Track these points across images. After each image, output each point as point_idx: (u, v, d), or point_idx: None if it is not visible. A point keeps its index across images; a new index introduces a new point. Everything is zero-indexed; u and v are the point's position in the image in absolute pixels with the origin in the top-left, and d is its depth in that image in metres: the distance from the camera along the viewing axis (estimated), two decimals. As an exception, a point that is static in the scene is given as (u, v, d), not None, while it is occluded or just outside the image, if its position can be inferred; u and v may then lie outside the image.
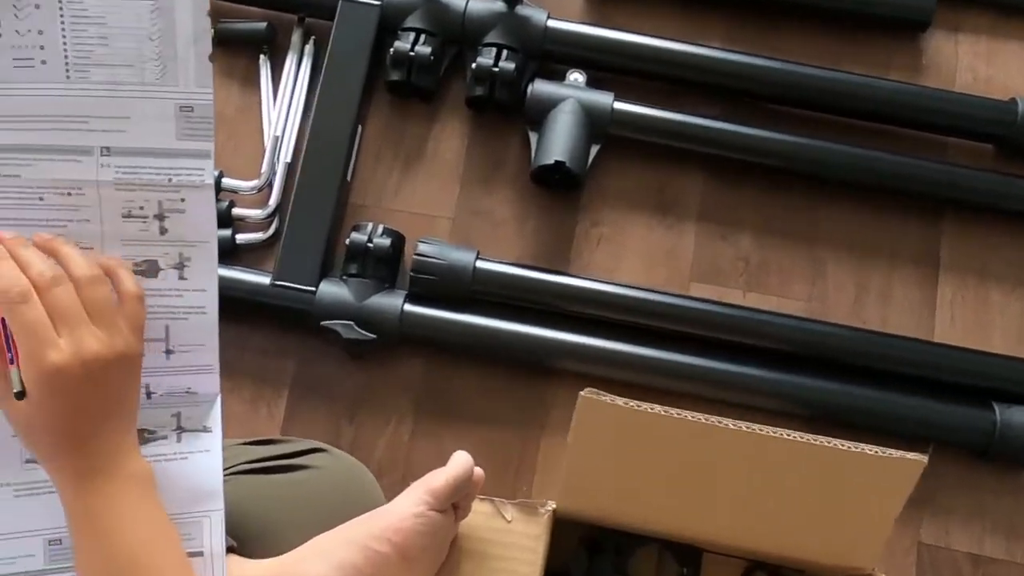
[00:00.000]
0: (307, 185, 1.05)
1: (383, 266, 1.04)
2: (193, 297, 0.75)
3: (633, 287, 1.07)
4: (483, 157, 1.13)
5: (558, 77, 1.11)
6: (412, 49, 1.07)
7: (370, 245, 1.03)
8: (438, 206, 1.11)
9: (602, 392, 0.77)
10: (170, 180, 0.72)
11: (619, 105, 1.08)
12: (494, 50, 1.08)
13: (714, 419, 0.77)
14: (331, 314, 1.02)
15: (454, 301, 1.04)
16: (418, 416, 1.05)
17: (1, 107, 0.70)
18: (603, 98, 1.08)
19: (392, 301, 1.03)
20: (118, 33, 0.70)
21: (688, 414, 0.77)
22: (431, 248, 1.04)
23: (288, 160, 1.10)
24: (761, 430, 0.75)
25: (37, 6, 0.68)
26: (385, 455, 1.03)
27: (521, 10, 1.09)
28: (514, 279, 1.05)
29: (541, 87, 1.08)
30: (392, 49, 1.08)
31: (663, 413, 0.76)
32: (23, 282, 0.63)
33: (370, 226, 1.05)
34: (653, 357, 1.04)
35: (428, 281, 1.03)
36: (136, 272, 0.73)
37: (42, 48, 0.69)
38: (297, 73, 1.13)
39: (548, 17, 1.10)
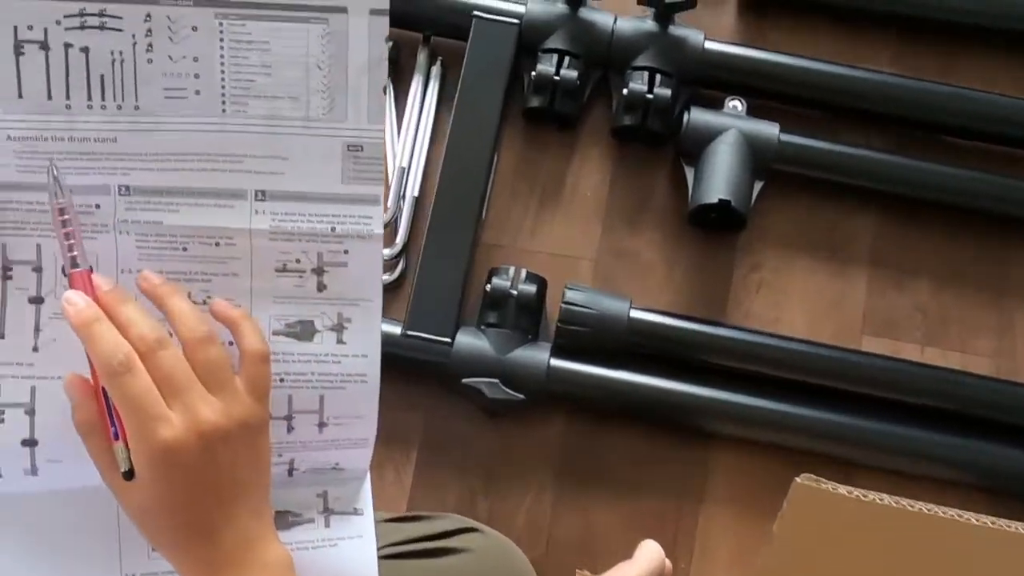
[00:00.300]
0: (441, 223, 0.96)
1: (526, 315, 0.95)
2: (352, 363, 0.66)
3: (797, 340, 0.98)
4: (628, 193, 1.04)
5: (713, 105, 1.01)
6: (557, 72, 0.98)
7: (513, 292, 0.94)
8: (579, 247, 1.03)
9: (821, 479, 0.67)
10: (333, 229, 0.63)
11: (786, 137, 0.98)
12: (646, 74, 0.99)
13: (953, 512, 0.67)
14: (470, 368, 0.93)
15: (605, 355, 0.95)
16: (560, 483, 0.96)
17: (145, 144, 0.61)
18: (768, 129, 0.99)
19: (537, 355, 0.94)
20: (283, 61, 0.61)
21: (923, 506, 0.67)
22: (580, 296, 0.94)
23: (416, 194, 1.01)
24: (1018, 528, 0.65)
25: (195, 28, 0.59)
26: (526, 528, 0.94)
27: (675, 31, 1.01)
28: (671, 331, 0.96)
29: (699, 116, 0.99)
30: (534, 72, 0.99)
31: (894, 505, 0.66)
32: (124, 348, 0.55)
33: (512, 270, 0.95)
34: (820, 420, 0.96)
35: (577, 332, 0.94)
36: (288, 334, 0.63)
37: (197, 77, 0.60)
38: (424, 97, 1.04)
39: (705, 39, 1.00)
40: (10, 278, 0.63)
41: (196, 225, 0.63)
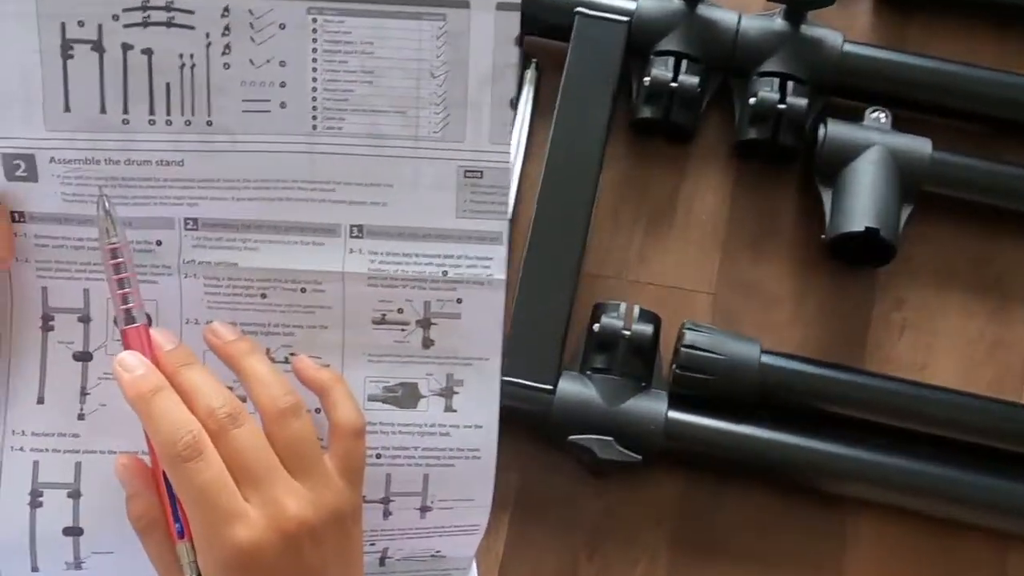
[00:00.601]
0: (540, 252, 0.84)
1: (639, 359, 0.83)
2: (464, 436, 0.55)
3: (948, 390, 0.85)
4: (751, 216, 0.92)
5: (851, 117, 0.89)
6: (675, 78, 0.86)
7: (626, 333, 0.82)
8: (694, 278, 0.91)
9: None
10: (445, 273, 0.51)
11: (939, 154, 0.86)
12: (776, 81, 0.87)
13: None
14: (575, 421, 0.82)
15: (730, 406, 0.83)
16: (675, 551, 0.85)
17: (218, 168, 0.50)
18: (918, 145, 0.86)
19: (653, 406, 0.82)
20: (389, 67, 0.49)
21: None
22: (703, 337, 0.82)
23: (509, 216, 0.89)
24: None
25: (282, 26, 0.47)
26: (636, 602, 0.83)
27: (808, 31, 0.88)
28: (807, 379, 0.84)
29: (838, 130, 0.87)
30: (647, 78, 0.87)
31: None
32: (191, 427, 0.46)
33: (623, 307, 0.84)
34: (975, 485, 0.83)
35: (699, 380, 0.82)
36: (387, 400, 0.52)
37: (283, 86, 0.49)
38: (515, 106, 0.92)
39: (844, 41, 0.88)
40: (51, 329, 0.52)
41: (278, 267, 0.52)
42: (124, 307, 0.50)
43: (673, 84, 0.86)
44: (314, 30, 0.51)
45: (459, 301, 0.55)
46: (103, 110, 0.51)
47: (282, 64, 0.52)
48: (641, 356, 0.83)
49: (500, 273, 0.54)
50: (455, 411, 0.56)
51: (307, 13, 0.51)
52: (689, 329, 0.83)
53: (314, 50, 0.52)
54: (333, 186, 0.53)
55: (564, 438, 0.81)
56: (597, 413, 0.81)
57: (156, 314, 0.55)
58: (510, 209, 0.57)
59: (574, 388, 0.82)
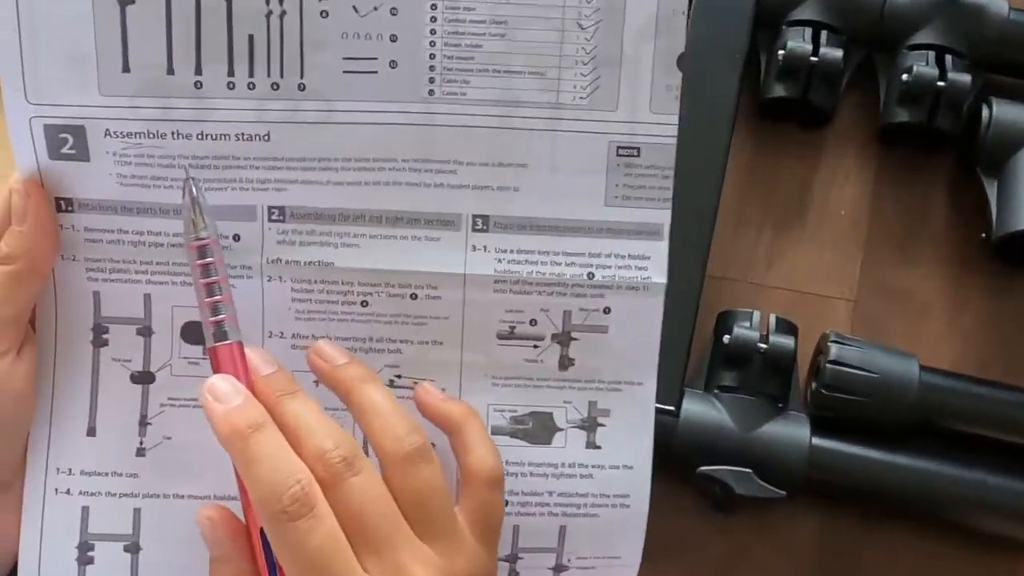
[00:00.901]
0: (660, 253, 0.73)
1: (775, 377, 0.72)
2: (609, 478, 0.44)
3: None
4: (898, 212, 0.80)
5: (1017, 97, 0.77)
6: (815, 51, 0.75)
7: (762, 346, 0.71)
8: (832, 282, 0.79)
9: None
10: (590, 276, 0.40)
11: (1122, 139, 0.74)
12: (931, 54, 0.75)
13: None
14: (703, 449, 0.70)
15: (883, 432, 0.72)
16: (817, 598, 0.73)
17: (312, 144, 0.40)
18: (1101, 129, 0.74)
19: (794, 431, 0.71)
20: (525, 16, 0.38)
21: None
22: (851, 352, 0.71)
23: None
24: None
25: None
26: (771, 657, 0.72)
27: (968, -1, 0.76)
28: (974, 401, 0.73)
29: (1006, 111, 0.75)
30: (781, 51, 0.76)
31: None
32: (300, 476, 0.36)
33: (756, 316, 0.72)
34: None
35: (847, 402, 0.70)
36: (515, 433, 0.42)
37: (394, 40, 0.38)
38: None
39: (1010, 9, 0.76)
40: (104, 344, 0.41)
41: (383, 268, 0.41)
42: (214, 319, 0.40)
43: (813, 58, 0.75)
44: None
45: (607, 311, 0.44)
46: (170, 70, 0.41)
47: (393, 12, 0.41)
48: (778, 373, 0.72)
49: (660, 276, 0.43)
50: (599, 448, 0.45)
51: (426, -51, 0.41)
52: (835, 342, 0.72)
53: (433, -1, 0.41)
54: (453, 167, 0.43)
55: (691, 469, 0.69)
56: (730, 440, 0.70)
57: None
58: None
59: (701, 410, 0.71)
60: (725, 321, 0.75)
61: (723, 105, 0.76)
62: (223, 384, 0.40)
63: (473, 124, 0.43)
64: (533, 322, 0.45)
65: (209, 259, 0.41)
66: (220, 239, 0.44)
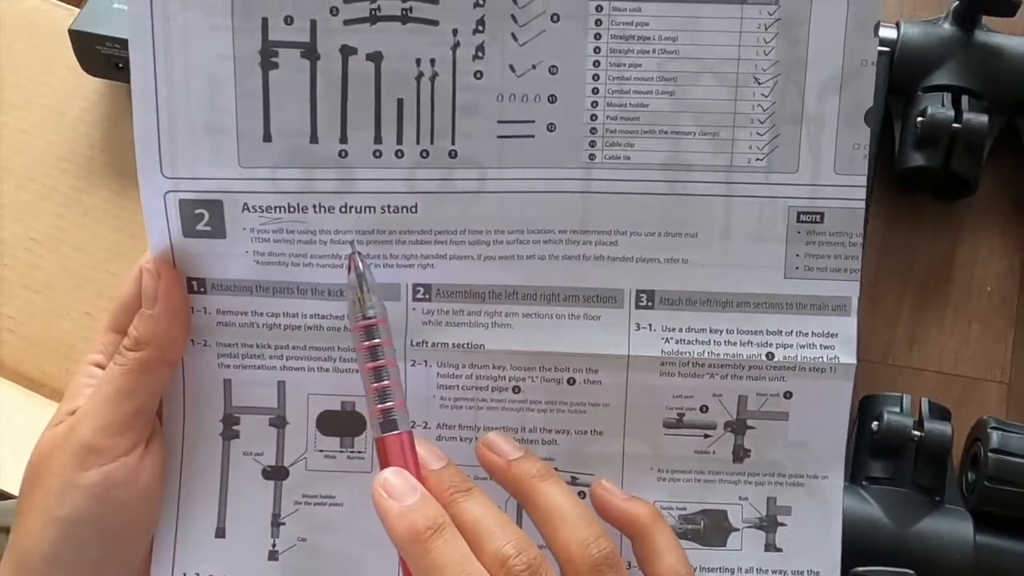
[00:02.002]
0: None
1: (930, 467, 0.66)
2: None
3: None
4: (1050, 287, 0.75)
5: None
6: (958, 118, 0.70)
7: (916, 434, 0.65)
8: (981, 363, 0.74)
9: None
10: (769, 356, 0.36)
11: None
12: (1081, 119, 0.71)
13: None
14: (857, 547, 0.64)
15: (1051, 527, 0.66)
16: None
17: (463, 216, 0.36)
18: None
19: (956, 528, 0.65)
20: (697, 70, 0.34)
21: None
22: (1016, 439, 0.65)
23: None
24: None
25: (555, 18, 0.33)
26: None
27: (1122, 56, 0.72)
28: None
29: None
30: (920, 118, 0.72)
31: None
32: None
33: (906, 400, 0.67)
34: None
35: (1014, 496, 0.65)
36: (685, 533, 0.38)
37: (552, 100, 0.34)
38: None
39: None
40: (235, 436, 0.38)
41: (538, 350, 0.37)
42: (382, 406, 0.36)
43: (956, 124, 0.71)
44: (598, 21, 0.38)
45: (788, 395, 0.40)
46: (314, 138, 0.38)
47: (552, 71, 0.38)
48: (933, 463, 0.67)
49: (848, 356, 0.39)
50: (779, 550, 0.40)
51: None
52: (995, 428, 0.66)
53: (596, 50, 0.38)
54: (615, 237, 0.39)
55: (846, 568, 0.64)
56: (886, 537, 0.65)
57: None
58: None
59: (851, 504, 0.66)
60: (871, 406, 0.69)
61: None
62: (397, 479, 0.36)
63: (637, 191, 0.39)
64: (704, 409, 0.40)
65: (376, 340, 0.37)
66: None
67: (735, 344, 0.40)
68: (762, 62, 0.38)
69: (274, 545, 0.41)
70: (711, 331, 0.40)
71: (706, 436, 0.41)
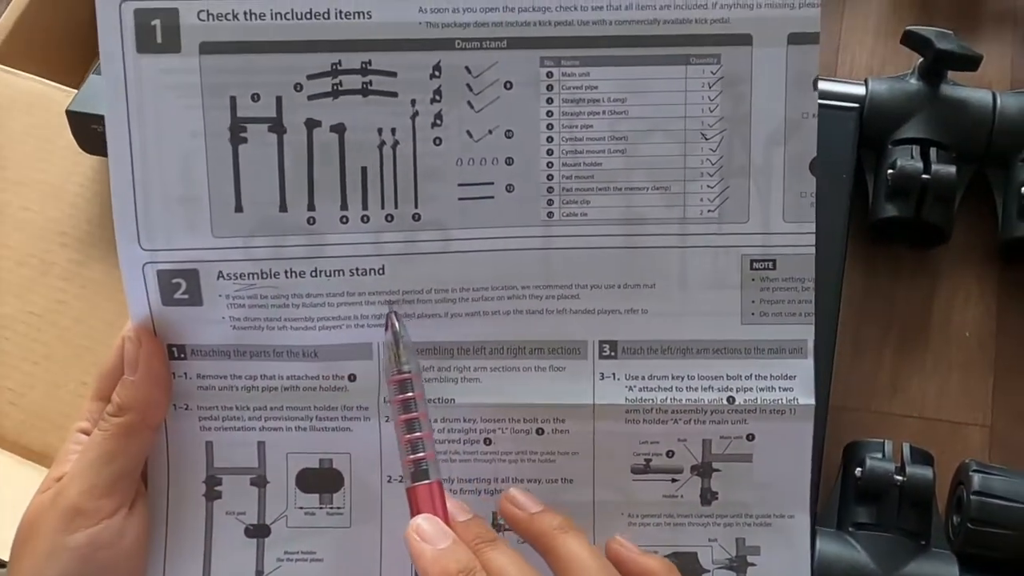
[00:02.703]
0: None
1: (915, 511, 0.66)
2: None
3: None
4: (1027, 332, 0.75)
5: None
6: (926, 169, 0.72)
7: (899, 479, 0.66)
8: (962, 408, 0.74)
9: None
10: (731, 401, 0.37)
11: None
12: (1048, 165, 0.72)
13: None
14: (842, 594, 0.65)
15: (1037, 567, 0.66)
16: None
17: (429, 275, 0.37)
18: None
19: (941, 571, 0.65)
20: (646, 129, 0.36)
21: None
22: (997, 482, 0.66)
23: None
24: None
25: (508, 85, 0.35)
26: None
27: (1083, 106, 0.73)
28: None
29: None
30: (891, 171, 0.73)
31: None
32: None
33: (888, 446, 0.68)
34: None
35: (997, 537, 0.65)
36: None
37: (510, 164, 0.36)
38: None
39: None
40: (218, 496, 0.39)
41: (506, 403, 0.38)
42: (414, 457, 0.37)
43: (925, 176, 0.72)
44: (549, 87, 0.39)
45: (751, 438, 0.40)
46: (283, 207, 0.40)
47: (508, 135, 0.39)
48: (917, 507, 0.67)
49: (807, 397, 0.40)
50: (751, 593, 0.41)
51: (540, 65, 0.39)
52: (976, 471, 0.67)
53: (549, 113, 0.39)
54: (576, 291, 0.40)
55: (835, 614, 0.64)
56: (871, 581, 0.65)
57: (349, 471, 0.42)
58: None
59: (838, 550, 0.66)
60: (854, 453, 0.70)
61: (835, 227, 0.73)
62: (429, 525, 0.37)
63: (596, 246, 0.40)
64: (670, 454, 0.41)
65: (410, 394, 0.38)
66: (335, 380, 0.42)
67: (696, 390, 0.41)
68: (708, 118, 0.40)
69: (257, 601, 0.42)
70: (673, 378, 0.41)
71: (673, 480, 0.42)
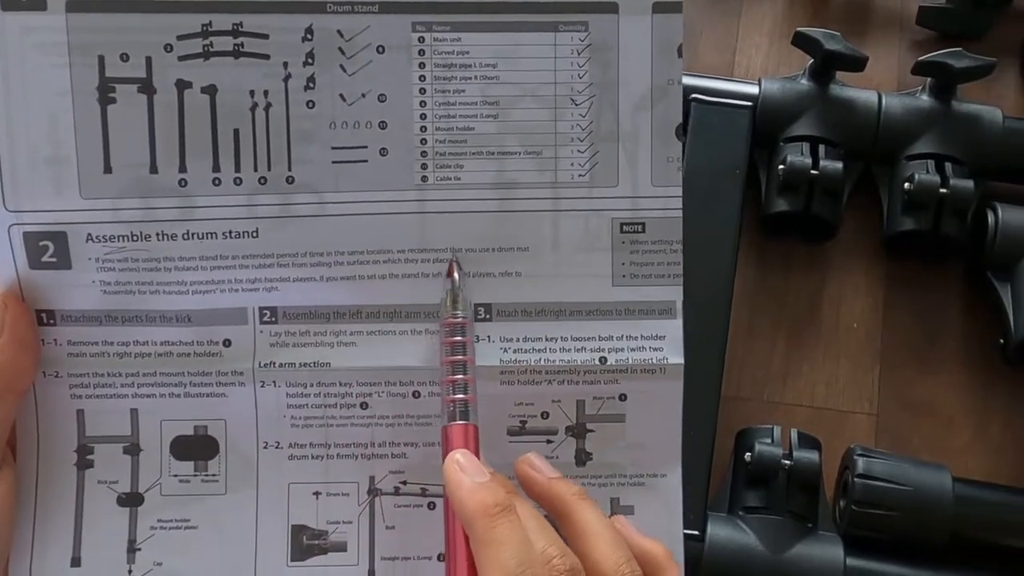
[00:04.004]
0: (673, 372, 0.69)
1: (802, 495, 0.67)
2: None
3: None
4: (912, 322, 0.77)
5: (1018, 202, 0.75)
6: (815, 165, 0.73)
7: (786, 463, 0.67)
8: (850, 397, 0.76)
9: None
10: (603, 361, 0.37)
11: None
12: (930, 163, 0.74)
13: None
14: (733, 573, 0.65)
15: (918, 549, 0.66)
16: None
17: (303, 239, 0.36)
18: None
19: (827, 552, 0.66)
20: (517, 95, 0.36)
21: None
22: (880, 465, 0.67)
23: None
24: None
25: (380, 49, 0.34)
26: None
27: (960, 107, 0.75)
28: (1013, 514, 0.67)
29: (1013, 216, 0.73)
30: (781, 166, 0.74)
31: None
32: (538, 572, 0.33)
33: (776, 431, 0.68)
34: None
35: (880, 518, 0.66)
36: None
37: (383, 127, 0.36)
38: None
39: (1005, 117, 0.75)
40: (89, 465, 0.37)
41: (382, 366, 0.37)
42: (459, 396, 0.37)
43: (814, 171, 0.73)
44: (421, 51, 0.39)
45: (623, 398, 0.40)
46: (154, 168, 0.39)
47: (381, 99, 0.39)
48: (805, 490, 0.68)
49: (676, 356, 0.40)
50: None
51: (412, 30, 0.39)
52: (861, 455, 0.68)
53: (421, 78, 0.39)
54: (442, 255, 0.40)
55: (725, 592, 0.64)
56: (760, 564, 0.65)
57: (225, 437, 0.41)
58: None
59: (727, 533, 0.66)
60: (745, 439, 0.70)
61: (727, 222, 0.74)
62: (468, 460, 0.37)
63: (470, 209, 0.40)
64: (545, 415, 0.41)
65: (460, 338, 0.38)
66: (209, 346, 0.41)
67: (569, 351, 0.41)
68: (577, 84, 0.40)
69: (130, 571, 0.41)
70: (547, 339, 0.41)
71: (548, 442, 0.41)
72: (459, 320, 0.38)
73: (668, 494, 0.41)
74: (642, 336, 0.41)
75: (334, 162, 0.39)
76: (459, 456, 0.37)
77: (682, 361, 0.40)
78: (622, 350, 0.40)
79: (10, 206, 0.39)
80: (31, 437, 0.41)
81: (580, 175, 0.40)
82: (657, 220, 0.40)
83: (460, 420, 0.38)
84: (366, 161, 0.39)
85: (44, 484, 0.41)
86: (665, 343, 0.40)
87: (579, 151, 0.40)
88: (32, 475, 0.41)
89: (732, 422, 0.73)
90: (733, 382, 0.76)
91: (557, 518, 0.38)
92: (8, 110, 0.38)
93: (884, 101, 0.77)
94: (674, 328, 0.40)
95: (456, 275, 0.39)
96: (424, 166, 0.40)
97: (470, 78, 0.39)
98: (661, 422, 0.41)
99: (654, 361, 0.41)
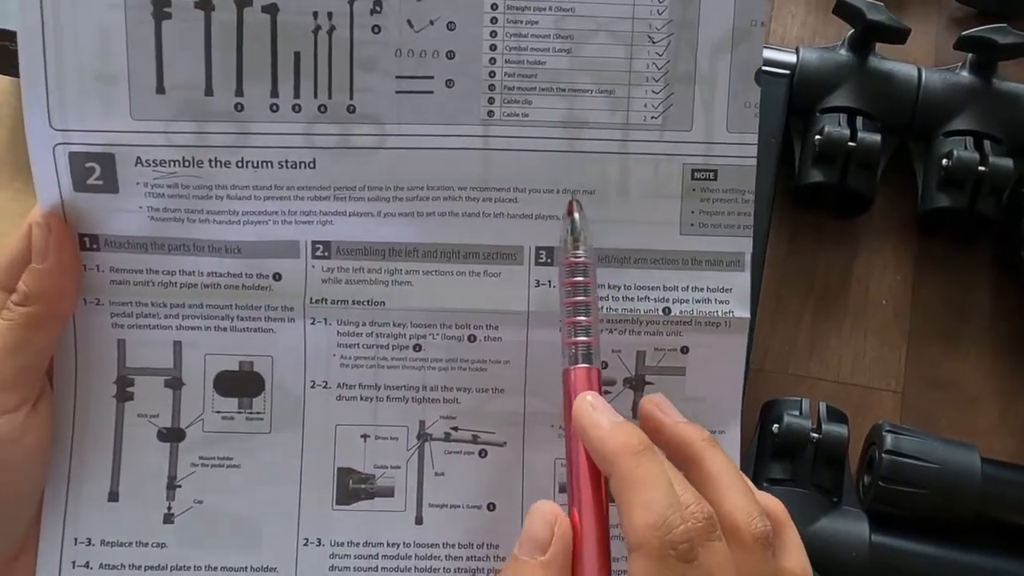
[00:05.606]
0: (702, 339, 0.67)
1: (828, 468, 0.65)
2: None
3: None
4: (942, 300, 0.75)
5: (1056, 181, 0.73)
6: (852, 137, 0.71)
7: (815, 436, 0.65)
8: (877, 373, 0.73)
9: None
10: (666, 312, 0.34)
11: None
12: (968, 139, 0.72)
13: None
14: (757, 544, 0.63)
15: (948, 526, 0.65)
16: None
17: (362, 172, 0.34)
18: None
19: (852, 527, 0.64)
20: (592, 29, 0.33)
21: None
22: (909, 442, 0.65)
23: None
24: None
25: None
26: None
27: (1001, 85, 0.73)
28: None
29: (1050, 194, 0.71)
30: (819, 136, 0.72)
31: None
32: (686, 518, 0.31)
33: (805, 404, 0.66)
34: None
35: (907, 495, 0.64)
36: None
37: (451, 57, 0.33)
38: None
39: (1044, 93, 0.73)
40: (129, 398, 0.35)
41: (438, 308, 0.35)
42: (579, 340, 0.34)
43: (851, 143, 0.71)
44: None
45: (684, 350, 0.38)
46: (209, 91, 0.36)
47: (450, 27, 0.37)
48: (831, 464, 0.66)
49: (742, 310, 0.38)
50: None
51: (487, -43, 0.37)
52: (889, 431, 0.66)
53: (493, 6, 0.37)
54: (514, 194, 0.38)
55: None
56: (786, 534, 0.63)
57: (271, 375, 0.39)
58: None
59: (755, 503, 0.64)
60: (772, 411, 0.68)
61: (761, 192, 0.71)
62: (600, 402, 0.34)
63: (536, 148, 0.38)
64: (604, 365, 0.39)
65: (581, 279, 0.35)
66: (259, 279, 0.39)
67: (632, 299, 0.39)
68: (656, 21, 0.38)
69: (169, 508, 0.39)
70: (609, 287, 0.39)
71: (606, 392, 0.39)
72: (580, 260, 0.36)
73: (727, 451, 0.39)
74: (708, 288, 0.39)
75: (397, 92, 0.37)
76: (590, 397, 0.35)
77: (748, 315, 0.38)
78: (687, 301, 0.38)
79: (56, 124, 0.36)
80: (69, 366, 0.39)
81: (652, 117, 0.38)
82: (730, 168, 0.38)
83: (583, 363, 0.35)
84: (431, 92, 0.37)
85: (82, 416, 0.39)
86: (732, 296, 0.38)
87: (653, 92, 0.38)
88: (70, 406, 0.39)
89: (756, 395, 0.71)
90: (759, 354, 0.74)
91: (684, 462, 0.36)
92: (57, 22, 0.36)
93: (924, 76, 0.75)
94: (742, 280, 0.38)
95: (576, 214, 0.36)
96: (491, 100, 0.38)
97: (544, 9, 0.37)
98: (722, 377, 0.39)
99: (719, 314, 0.39)
